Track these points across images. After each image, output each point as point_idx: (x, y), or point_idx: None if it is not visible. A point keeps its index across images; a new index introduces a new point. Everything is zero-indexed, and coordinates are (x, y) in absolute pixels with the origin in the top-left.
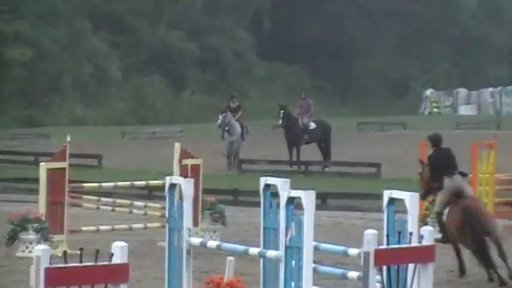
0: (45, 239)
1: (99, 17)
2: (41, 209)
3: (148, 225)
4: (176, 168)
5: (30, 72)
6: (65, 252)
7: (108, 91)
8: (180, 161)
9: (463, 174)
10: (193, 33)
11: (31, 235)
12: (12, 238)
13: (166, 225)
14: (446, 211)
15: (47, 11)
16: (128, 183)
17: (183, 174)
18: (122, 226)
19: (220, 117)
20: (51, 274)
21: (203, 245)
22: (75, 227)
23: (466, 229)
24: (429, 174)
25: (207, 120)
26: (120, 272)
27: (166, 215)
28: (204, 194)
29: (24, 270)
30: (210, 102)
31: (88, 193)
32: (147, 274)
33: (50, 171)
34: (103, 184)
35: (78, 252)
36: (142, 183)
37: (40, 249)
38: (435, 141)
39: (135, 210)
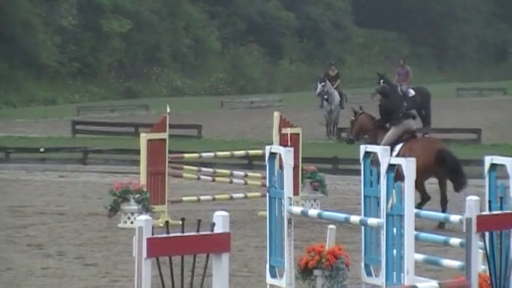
0: (146, 209)
1: None
2: (142, 179)
3: (249, 194)
4: (276, 137)
5: (128, 43)
6: (166, 223)
7: (206, 61)
8: (280, 130)
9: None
10: (290, 2)
11: (133, 206)
12: (114, 209)
13: (267, 195)
14: (397, 149)
15: None
16: (227, 153)
17: (283, 143)
18: (223, 196)
19: (319, 86)
20: (153, 244)
21: (304, 213)
22: (176, 197)
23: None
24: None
25: (305, 89)
26: (222, 241)
27: (267, 185)
28: (303, 163)
29: (127, 241)
30: (308, 71)
31: (188, 163)
32: (248, 243)
33: (151, 142)
34: (203, 154)
35: (180, 222)
36: (242, 152)
37: (142, 220)
38: (383, 92)
39: (235, 180)
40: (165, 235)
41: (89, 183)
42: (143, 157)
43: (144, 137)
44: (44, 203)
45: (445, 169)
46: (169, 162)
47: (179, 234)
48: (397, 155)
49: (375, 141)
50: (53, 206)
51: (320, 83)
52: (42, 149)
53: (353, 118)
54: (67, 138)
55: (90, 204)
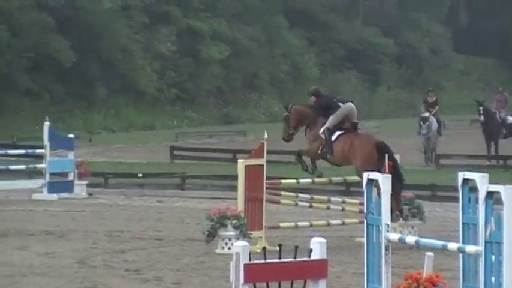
0: (244, 235)
1: (294, 13)
2: (240, 205)
3: (346, 220)
4: None
5: (227, 69)
6: (264, 249)
7: (304, 88)
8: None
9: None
10: (388, 28)
11: (230, 231)
12: (212, 235)
13: (364, 221)
14: (336, 134)
15: (243, 8)
16: (325, 179)
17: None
18: (320, 222)
19: (423, 126)
20: (250, 270)
21: (401, 240)
22: (273, 223)
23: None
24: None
25: (403, 116)
26: (319, 267)
27: (364, 211)
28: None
29: (224, 267)
30: (406, 98)
31: (286, 189)
32: (345, 270)
33: (248, 168)
34: (301, 180)
35: (277, 248)
36: (340, 179)
37: (239, 246)
38: (317, 93)
39: (332, 206)
40: (262, 261)
41: (186, 208)
42: (241, 183)
43: (241, 163)
44: (142, 228)
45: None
46: (266, 188)
47: (276, 260)
48: (337, 139)
49: (315, 128)
50: (151, 231)
51: (424, 123)
52: (140, 175)
53: (286, 113)
54: (165, 164)
55: (187, 230)
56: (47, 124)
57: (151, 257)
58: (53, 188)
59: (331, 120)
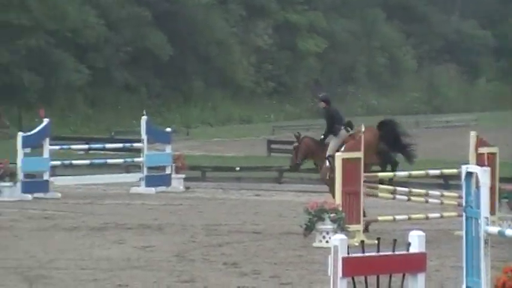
0: (341, 229)
1: (391, 6)
2: (337, 199)
3: (445, 214)
4: (472, 156)
5: (324, 62)
6: (362, 242)
7: (401, 81)
8: (476, 149)
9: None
10: (486, 21)
11: (328, 225)
12: (310, 228)
13: (463, 214)
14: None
15: (340, 1)
16: (422, 172)
17: (480, 162)
18: (418, 215)
19: None
20: (348, 263)
21: (501, 234)
22: (371, 216)
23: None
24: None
25: (502, 108)
26: (418, 261)
27: (463, 204)
28: (500, 183)
29: (322, 260)
30: (505, 91)
31: (383, 183)
32: (444, 263)
33: (346, 161)
34: (398, 173)
35: (375, 241)
36: (437, 172)
37: (337, 239)
38: (327, 100)
39: (430, 200)
40: (360, 254)
41: (283, 202)
42: (338, 176)
43: (339, 156)
44: (239, 222)
45: (389, 136)
46: (364, 181)
47: (375, 253)
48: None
49: (318, 163)
50: (248, 225)
51: None
52: (237, 168)
53: (296, 143)
54: (262, 157)
55: (284, 223)
56: (144, 118)
57: (248, 250)
58: (150, 181)
59: (332, 147)
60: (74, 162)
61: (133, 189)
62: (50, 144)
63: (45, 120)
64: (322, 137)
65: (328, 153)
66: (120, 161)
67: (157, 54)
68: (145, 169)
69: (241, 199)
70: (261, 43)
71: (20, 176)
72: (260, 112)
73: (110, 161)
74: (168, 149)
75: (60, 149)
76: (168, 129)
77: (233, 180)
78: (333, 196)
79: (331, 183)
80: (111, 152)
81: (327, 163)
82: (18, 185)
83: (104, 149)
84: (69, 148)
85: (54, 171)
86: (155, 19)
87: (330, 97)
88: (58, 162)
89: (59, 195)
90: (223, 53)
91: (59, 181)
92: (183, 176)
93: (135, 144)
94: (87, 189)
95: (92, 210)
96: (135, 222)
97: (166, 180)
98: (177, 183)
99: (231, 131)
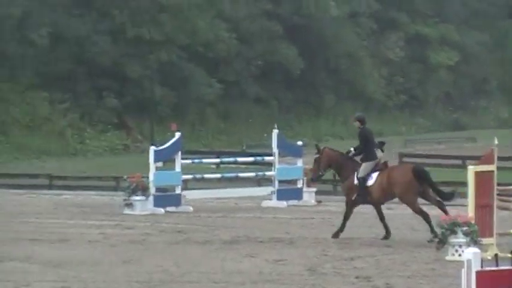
0: (474, 242)
1: None
2: (470, 212)
3: None
4: None
5: (456, 75)
6: (495, 256)
7: None
8: None
9: (382, 144)
10: None
11: (460, 238)
12: (442, 242)
13: None
14: (374, 177)
15: (471, 13)
16: None
17: None
18: None
19: None
20: (482, 277)
21: None
22: (504, 230)
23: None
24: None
25: None
26: None
27: None
28: None
29: (455, 274)
30: None
31: None
32: None
33: (478, 175)
34: None
35: (509, 255)
36: None
37: (470, 253)
38: (363, 120)
39: None
40: (494, 268)
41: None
42: (471, 189)
43: (471, 170)
44: (371, 235)
45: (425, 182)
46: (497, 194)
47: (509, 267)
48: (374, 183)
49: (341, 172)
50: (380, 238)
51: None
52: None
53: (318, 155)
54: None
55: (417, 236)
56: (275, 131)
57: (381, 264)
58: (282, 195)
59: (365, 169)
60: (206, 176)
61: (265, 203)
62: (182, 158)
63: (177, 134)
64: (353, 151)
65: (360, 175)
66: (252, 174)
67: (288, 68)
68: (276, 182)
69: (373, 212)
70: (392, 56)
71: (152, 189)
72: (392, 125)
73: (241, 174)
74: (300, 162)
75: (192, 162)
76: (300, 143)
77: None
78: (347, 214)
79: (352, 204)
80: (243, 166)
81: (355, 180)
82: (151, 198)
83: (235, 162)
84: (201, 162)
85: (186, 185)
86: (286, 33)
87: (365, 117)
88: (190, 176)
89: (191, 209)
90: (354, 66)
91: (190, 195)
92: (315, 189)
93: (267, 158)
94: (219, 202)
95: (224, 224)
96: (266, 236)
97: (297, 194)
98: (309, 196)
99: None
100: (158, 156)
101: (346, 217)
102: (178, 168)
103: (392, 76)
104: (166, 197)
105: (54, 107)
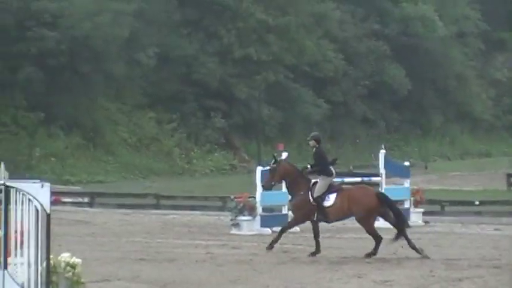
0: None
1: None
2: None
3: None
4: None
5: None
6: None
7: None
8: None
9: (334, 163)
10: None
11: None
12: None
13: None
14: (331, 198)
15: None
16: None
17: None
18: None
19: None
20: None
21: None
22: None
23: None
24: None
25: None
26: None
27: None
28: None
29: None
30: None
31: None
32: None
33: None
34: None
35: None
36: None
37: None
38: (319, 139)
39: None
40: None
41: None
42: None
43: None
44: (479, 256)
45: (387, 208)
46: None
47: None
48: (334, 204)
49: (293, 187)
50: (488, 259)
51: None
52: (477, 202)
53: (273, 165)
54: (502, 191)
55: None
56: (382, 152)
57: (488, 284)
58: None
59: (321, 188)
60: None
61: None
62: None
63: (284, 154)
64: (309, 167)
65: (316, 194)
66: None
67: (396, 88)
68: None
69: (481, 233)
70: (500, 76)
71: (259, 209)
72: (499, 146)
73: None
74: (407, 183)
75: None
76: (407, 163)
77: (472, 214)
78: (291, 225)
79: (300, 220)
80: (350, 186)
81: (310, 198)
82: (257, 219)
83: (342, 182)
84: None
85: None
86: (394, 53)
87: (321, 137)
88: None
89: (298, 229)
90: (461, 86)
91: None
92: (422, 210)
93: (374, 178)
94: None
95: (331, 244)
96: (373, 257)
97: (405, 215)
98: (416, 217)
99: (470, 164)
100: (265, 176)
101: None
102: (284, 189)
103: (500, 97)
104: (273, 217)
105: (162, 127)
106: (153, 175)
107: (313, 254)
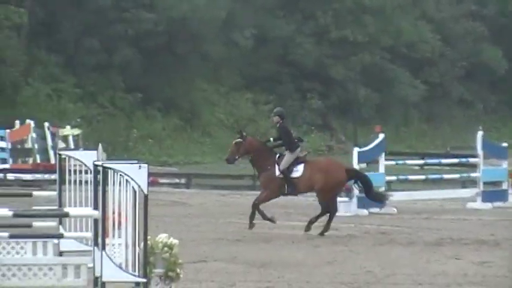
0: None
1: None
2: None
3: None
4: None
5: None
6: None
7: None
8: None
9: (301, 140)
10: None
11: None
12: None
13: None
14: (300, 169)
15: None
16: None
17: None
18: None
19: None
20: None
21: None
22: None
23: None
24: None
25: None
26: None
27: None
28: None
29: None
30: None
31: None
32: None
33: None
34: None
35: None
36: None
37: None
38: (282, 115)
39: None
40: None
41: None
42: None
43: None
44: None
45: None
46: None
47: None
48: (302, 175)
49: (258, 162)
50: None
51: None
52: None
53: (239, 139)
54: None
55: None
56: (480, 133)
57: None
58: (487, 197)
59: (287, 161)
60: (410, 177)
61: (469, 205)
62: (386, 160)
63: (381, 136)
64: (272, 140)
65: (282, 167)
66: (456, 176)
67: (493, 69)
68: (481, 184)
69: None
70: None
71: (356, 191)
72: None
73: (445, 176)
74: (505, 164)
75: (396, 164)
76: (505, 144)
77: None
78: (262, 200)
79: (275, 192)
80: (447, 167)
81: (277, 172)
82: (354, 200)
83: (439, 164)
84: (404, 163)
85: (389, 186)
86: (491, 33)
87: (284, 112)
88: (393, 178)
89: (395, 210)
90: None
91: (394, 196)
92: None
93: (471, 160)
94: (423, 204)
95: (428, 226)
96: (471, 238)
97: (502, 196)
98: None
99: None
100: (362, 157)
101: (262, 202)
102: (382, 170)
103: None
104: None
105: (258, 108)
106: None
107: (269, 220)
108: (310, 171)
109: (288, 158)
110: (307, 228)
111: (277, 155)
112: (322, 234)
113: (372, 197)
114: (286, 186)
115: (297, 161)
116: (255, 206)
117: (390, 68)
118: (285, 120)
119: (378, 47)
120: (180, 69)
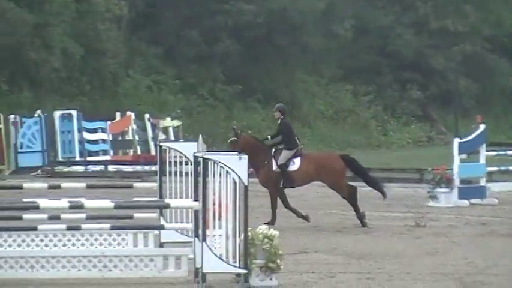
0: None
1: None
2: None
3: None
4: None
5: None
6: None
7: None
8: None
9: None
10: None
11: None
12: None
13: None
14: (296, 162)
15: None
16: None
17: None
18: None
19: None
20: None
21: None
22: None
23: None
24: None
25: None
26: None
27: None
28: None
29: None
30: None
31: None
32: None
33: None
34: None
35: None
36: None
37: None
38: (283, 110)
39: None
40: None
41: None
42: None
43: None
44: None
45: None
46: None
47: None
48: (299, 168)
49: (254, 158)
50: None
51: None
52: None
53: (234, 138)
54: None
55: None
56: None
57: None
58: None
59: (285, 156)
60: (511, 168)
61: None
62: (486, 150)
63: (482, 126)
64: (269, 138)
65: (280, 162)
66: None
67: None
68: None
69: None
70: None
71: (457, 182)
72: None
73: None
74: None
75: (497, 155)
76: None
77: None
78: (273, 201)
79: (275, 191)
80: None
81: (274, 167)
82: (455, 191)
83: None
84: (505, 154)
85: (490, 177)
86: None
87: (286, 108)
88: (495, 168)
89: (496, 201)
90: None
91: (495, 187)
92: None
93: None
94: None
95: None
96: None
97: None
98: None
99: None
100: (463, 148)
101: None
102: (482, 160)
103: None
104: (471, 189)
105: (358, 100)
106: (349, 147)
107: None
108: (307, 164)
109: (286, 153)
110: (363, 224)
111: (273, 150)
112: (364, 226)
113: (371, 183)
114: (282, 180)
115: (293, 155)
116: (287, 208)
117: (491, 57)
118: (286, 116)
119: (478, 37)
120: (279, 60)
